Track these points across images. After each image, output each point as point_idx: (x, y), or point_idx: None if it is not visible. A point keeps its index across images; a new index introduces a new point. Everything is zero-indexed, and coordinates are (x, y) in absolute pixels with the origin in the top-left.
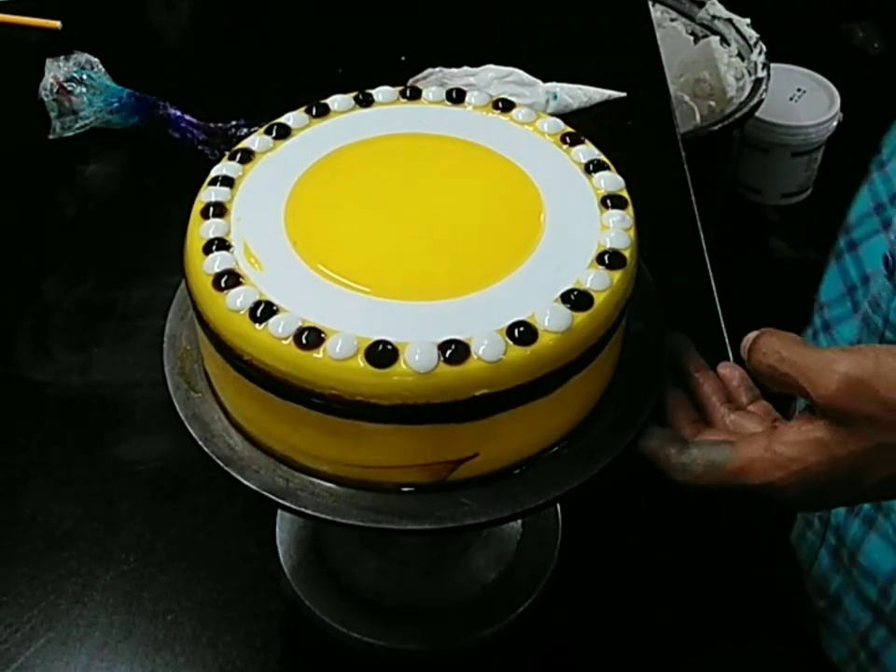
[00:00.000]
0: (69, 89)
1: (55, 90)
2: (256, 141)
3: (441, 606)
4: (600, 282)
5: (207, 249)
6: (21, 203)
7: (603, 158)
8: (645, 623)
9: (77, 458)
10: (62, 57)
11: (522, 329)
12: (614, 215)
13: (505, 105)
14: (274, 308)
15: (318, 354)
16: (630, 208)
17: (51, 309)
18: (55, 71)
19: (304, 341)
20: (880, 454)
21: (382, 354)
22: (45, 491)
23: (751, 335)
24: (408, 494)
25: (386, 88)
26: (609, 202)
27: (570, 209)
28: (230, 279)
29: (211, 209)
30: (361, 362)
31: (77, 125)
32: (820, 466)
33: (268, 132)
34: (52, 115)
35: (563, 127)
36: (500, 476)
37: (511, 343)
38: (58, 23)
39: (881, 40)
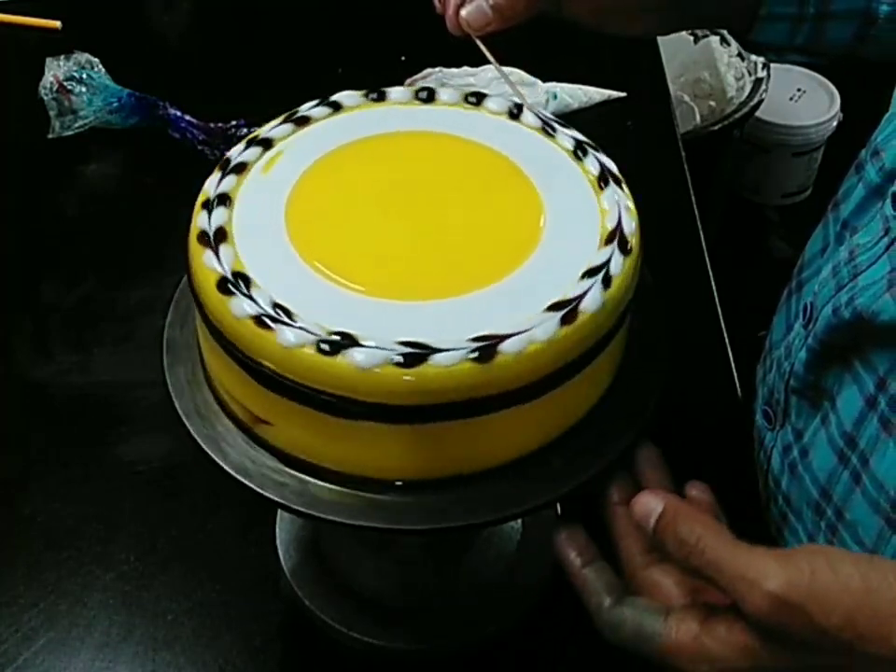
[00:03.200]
0: (69, 88)
1: (55, 88)
2: (258, 137)
3: (441, 606)
4: (597, 290)
5: (205, 242)
6: (20, 203)
7: (614, 170)
8: None
9: (76, 458)
10: (62, 56)
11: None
12: (616, 219)
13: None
14: (273, 306)
15: (311, 352)
16: (635, 216)
17: (51, 309)
18: (55, 70)
19: (301, 339)
20: None
21: (374, 354)
22: (45, 491)
23: (654, 504)
24: (407, 493)
25: (397, 88)
26: (605, 187)
27: (572, 211)
28: (229, 275)
29: (212, 204)
30: (355, 362)
31: (77, 125)
32: (747, 671)
33: (261, 137)
34: (52, 114)
35: (576, 137)
36: (500, 476)
37: (510, 345)
38: (58, 23)
39: None
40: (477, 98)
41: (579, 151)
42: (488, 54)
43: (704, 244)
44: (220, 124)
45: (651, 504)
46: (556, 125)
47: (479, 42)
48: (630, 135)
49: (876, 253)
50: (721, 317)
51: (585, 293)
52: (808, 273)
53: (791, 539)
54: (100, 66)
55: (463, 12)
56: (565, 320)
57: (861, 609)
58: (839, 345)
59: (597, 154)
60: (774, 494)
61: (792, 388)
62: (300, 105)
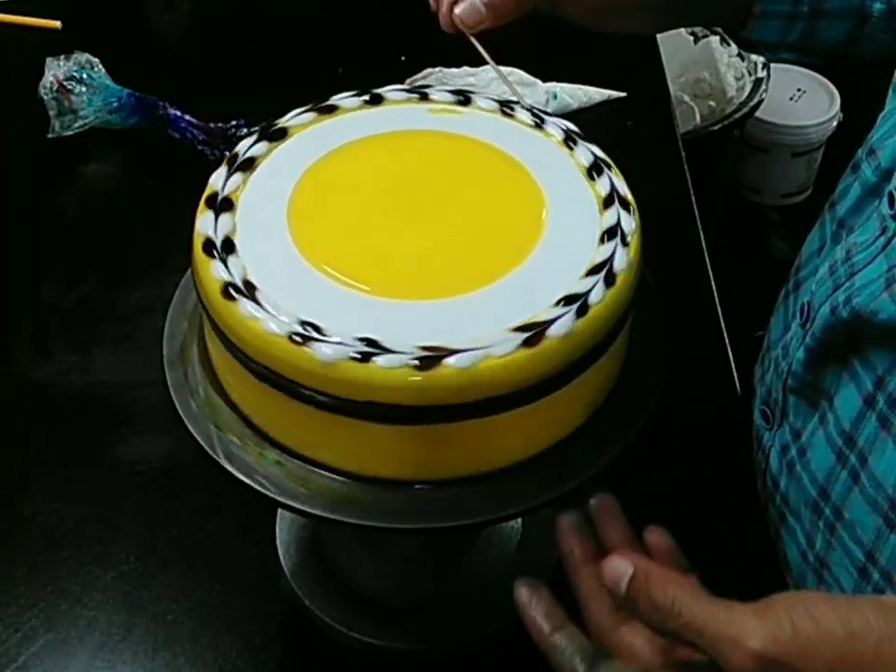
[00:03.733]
0: (69, 88)
1: (55, 88)
2: (259, 139)
3: (441, 606)
4: (599, 287)
5: (210, 247)
6: (20, 203)
7: (606, 158)
8: None
9: (76, 458)
10: (62, 56)
11: (526, 331)
12: (616, 214)
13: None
14: (274, 306)
15: (313, 352)
16: (634, 211)
17: (51, 309)
18: (55, 70)
19: (300, 339)
20: None
21: (377, 354)
22: (45, 491)
23: (623, 567)
24: (407, 493)
25: (394, 87)
26: (610, 201)
27: (572, 208)
28: (233, 278)
29: (216, 204)
30: (356, 362)
31: (77, 124)
32: None
33: (271, 129)
34: (52, 114)
35: (567, 127)
36: (500, 476)
37: (513, 345)
38: (58, 23)
39: None
40: (466, 98)
41: (569, 142)
42: (483, 52)
43: (704, 244)
44: (220, 124)
45: (619, 568)
46: (546, 117)
47: (473, 40)
48: (630, 135)
49: (873, 252)
50: (720, 317)
51: (593, 288)
52: (805, 273)
53: (788, 540)
54: (100, 66)
55: (457, 10)
56: (578, 314)
57: (846, 657)
58: (837, 344)
59: (587, 144)
60: (772, 494)
61: (790, 388)
62: (300, 105)
